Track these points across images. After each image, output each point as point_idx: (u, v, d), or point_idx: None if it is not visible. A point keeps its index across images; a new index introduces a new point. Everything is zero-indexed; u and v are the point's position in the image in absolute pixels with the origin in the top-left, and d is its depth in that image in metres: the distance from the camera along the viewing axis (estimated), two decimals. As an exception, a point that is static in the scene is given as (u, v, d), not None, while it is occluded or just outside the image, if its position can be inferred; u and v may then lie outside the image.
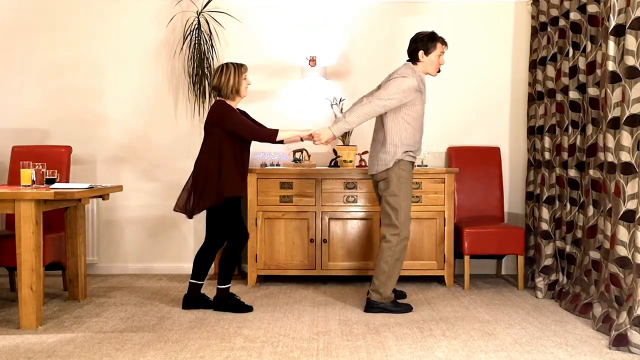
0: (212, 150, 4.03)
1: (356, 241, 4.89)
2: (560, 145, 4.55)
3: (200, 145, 4.14)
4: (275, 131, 4.09)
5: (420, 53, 4.11)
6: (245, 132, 4.01)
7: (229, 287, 4.15)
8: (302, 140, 4.20)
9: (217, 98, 4.13)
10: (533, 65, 5.11)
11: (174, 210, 4.17)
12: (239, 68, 4.09)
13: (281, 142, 4.13)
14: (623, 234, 3.48)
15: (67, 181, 4.77)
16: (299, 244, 4.88)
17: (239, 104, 4.21)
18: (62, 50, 5.36)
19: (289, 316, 4.00)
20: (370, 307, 4.09)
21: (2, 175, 5.28)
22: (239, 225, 4.12)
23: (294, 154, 5.05)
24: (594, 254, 3.98)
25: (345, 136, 5.07)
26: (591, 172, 4.04)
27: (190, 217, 4.12)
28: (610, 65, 3.63)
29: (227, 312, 4.06)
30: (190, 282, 4.20)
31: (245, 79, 4.10)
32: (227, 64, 4.10)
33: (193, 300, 4.19)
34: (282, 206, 4.86)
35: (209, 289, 4.50)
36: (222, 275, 4.13)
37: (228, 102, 4.09)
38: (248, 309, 4.10)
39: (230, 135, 4.01)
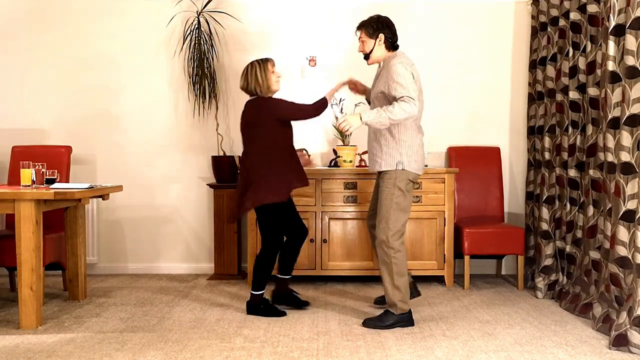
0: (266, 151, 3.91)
1: (356, 241, 4.88)
2: (560, 145, 4.55)
3: (247, 147, 3.96)
4: (323, 100, 3.97)
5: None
6: (302, 114, 3.91)
7: (263, 293, 4.06)
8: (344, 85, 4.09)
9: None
10: (533, 65, 5.11)
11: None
12: (264, 64, 3.94)
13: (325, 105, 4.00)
14: (623, 234, 3.48)
15: (67, 181, 4.77)
16: (299, 244, 4.87)
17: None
18: (62, 50, 5.36)
19: (289, 316, 3.99)
20: None
21: (2, 175, 5.28)
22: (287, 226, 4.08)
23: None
24: (594, 254, 3.98)
25: (346, 137, 5.06)
26: (591, 172, 4.03)
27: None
28: (610, 65, 3.63)
29: (228, 313, 4.07)
30: (277, 278, 4.15)
31: (273, 72, 3.95)
32: (251, 62, 3.96)
33: (283, 296, 4.18)
34: (282, 206, 4.85)
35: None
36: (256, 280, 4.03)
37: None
38: (282, 313, 4.03)
39: (280, 128, 3.89)
